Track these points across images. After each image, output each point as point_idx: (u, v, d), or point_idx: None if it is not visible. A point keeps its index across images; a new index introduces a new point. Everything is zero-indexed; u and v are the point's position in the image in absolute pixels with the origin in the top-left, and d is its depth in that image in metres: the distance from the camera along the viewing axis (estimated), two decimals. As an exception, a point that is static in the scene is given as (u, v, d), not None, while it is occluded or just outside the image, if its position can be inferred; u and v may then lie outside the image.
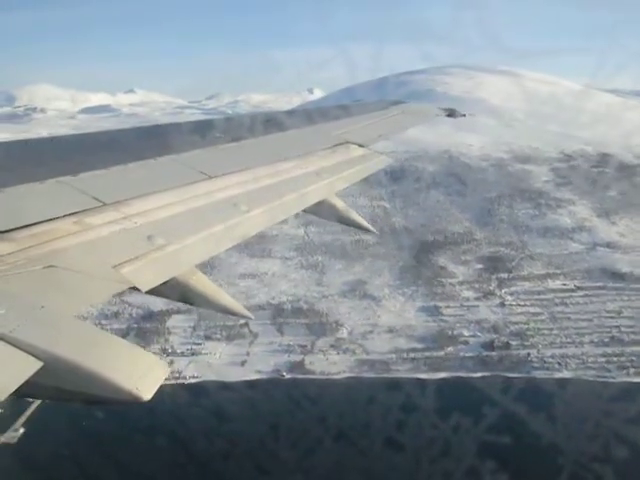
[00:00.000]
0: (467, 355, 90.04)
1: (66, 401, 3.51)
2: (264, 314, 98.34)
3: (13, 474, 64.73)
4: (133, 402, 3.39)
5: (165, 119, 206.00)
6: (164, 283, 4.87)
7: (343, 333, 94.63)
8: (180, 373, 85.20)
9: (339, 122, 11.58)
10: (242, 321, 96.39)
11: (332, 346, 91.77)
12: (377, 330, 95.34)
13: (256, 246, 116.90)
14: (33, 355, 3.13)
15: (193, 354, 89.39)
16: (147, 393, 3.41)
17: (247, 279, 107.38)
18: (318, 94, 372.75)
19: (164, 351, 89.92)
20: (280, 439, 65.61)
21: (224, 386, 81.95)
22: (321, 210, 8.19)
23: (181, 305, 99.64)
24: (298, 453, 62.96)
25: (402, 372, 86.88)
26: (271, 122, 10.91)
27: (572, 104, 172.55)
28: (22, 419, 73.88)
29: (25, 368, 3.02)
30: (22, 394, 3.05)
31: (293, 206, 7.51)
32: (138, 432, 70.29)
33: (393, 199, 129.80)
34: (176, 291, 5.28)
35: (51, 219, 4.81)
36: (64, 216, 4.94)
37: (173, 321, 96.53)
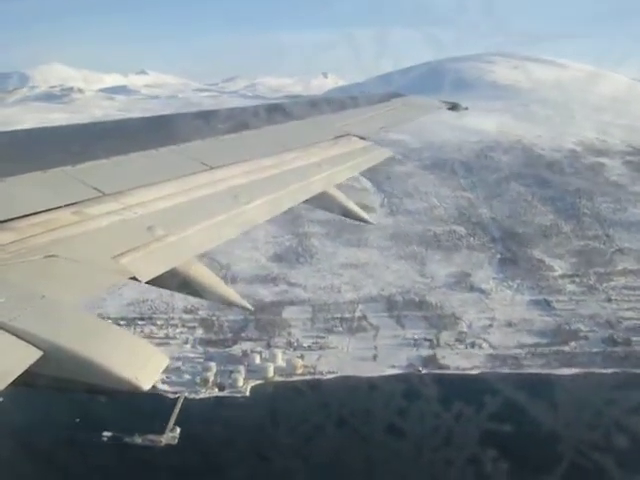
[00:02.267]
0: (592, 351, 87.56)
1: (66, 390, 3.35)
2: (378, 306, 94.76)
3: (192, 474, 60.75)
4: (132, 392, 3.21)
5: (210, 102, 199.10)
6: (164, 273, 4.59)
7: (463, 327, 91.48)
8: (315, 368, 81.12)
9: (341, 114, 11.26)
10: (359, 313, 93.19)
11: (457, 340, 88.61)
12: (496, 324, 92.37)
13: (349, 235, 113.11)
14: (33, 344, 3.05)
15: (321, 348, 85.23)
16: (146, 383, 3.23)
17: (350, 269, 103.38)
18: (332, 78, 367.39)
19: (290, 345, 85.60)
20: (435, 435, 62.54)
21: (364, 381, 78.34)
22: (322, 201, 7.79)
23: (292, 296, 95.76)
24: (456, 448, 60.34)
25: (535, 368, 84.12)
26: (272, 113, 10.49)
27: (622, 95, 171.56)
28: (173, 419, 69.65)
29: (25, 357, 2.96)
30: (22, 383, 2.92)
31: (294, 197, 7.12)
32: (292, 425, 66.53)
33: (475, 190, 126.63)
34: (176, 281, 5.01)
35: (51, 209, 4.70)
36: (64, 206, 4.81)
37: (288, 313, 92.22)
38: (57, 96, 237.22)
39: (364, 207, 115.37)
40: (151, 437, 65.44)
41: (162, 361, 3.55)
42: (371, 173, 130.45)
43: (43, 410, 68.30)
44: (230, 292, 5.97)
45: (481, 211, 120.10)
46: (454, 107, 15.78)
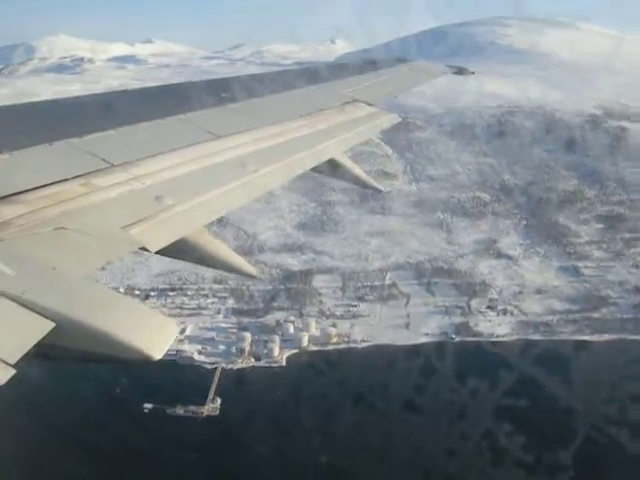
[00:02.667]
0: (624, 317, 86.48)
1: (78, 361, 3.39)
2: (407, 274, 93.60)
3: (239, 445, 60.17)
4: (144, 361, 3.18)
5: (222, 70, 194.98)
6: (173, 243, 4.55)
7: (493, 294, 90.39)
8: (348, 337, 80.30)
9: (347, 80, 11.08)
10: (389, 281, 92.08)
11: (489, 307, 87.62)
12: (526, 291, 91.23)
13: (373, 202, 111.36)
14: (45, 316, 3.06)
15: (353, 317, 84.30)
16: (157, 352, 3.22)
17: (376, 237, 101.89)
18: (339, 44, 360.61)
19: (322, 313, 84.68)
20: (478, 401, 61.97)
21: (399, 350, 77.56)
22: (330, 169, 7.66)
23: (320, 265, 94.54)
24: (496, 414, 59.80)
25: (567, 334, 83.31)
26: (279, 81, 10.43)
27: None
28: (212, 389, 68.99)
29: (38, 329, 2.97)
30: (35, 355, 2.93)
31: (301, 165, 6.88)
32: (331, 394, 65.89)
33: (497, 155, 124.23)
34: (185, 251, 4.91)
35: (59, 181, 4.66)
36: (72, 178, 4.77)
37: (318, 282, 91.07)
38: (69, 67, 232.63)
39: (386, 174, 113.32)
40: (192, 408, 64.84)
41: (173, 330, 3.52)
42: (392, 139, 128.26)
43: (78, 383, 67.79)
44: (240, 260, 5.76)
45: (504, 177, 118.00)
46: (460, 71, 15.58)
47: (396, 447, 58.93)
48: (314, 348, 77.73)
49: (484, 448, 54.98)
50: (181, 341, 77.60)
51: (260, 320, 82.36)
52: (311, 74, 11.63)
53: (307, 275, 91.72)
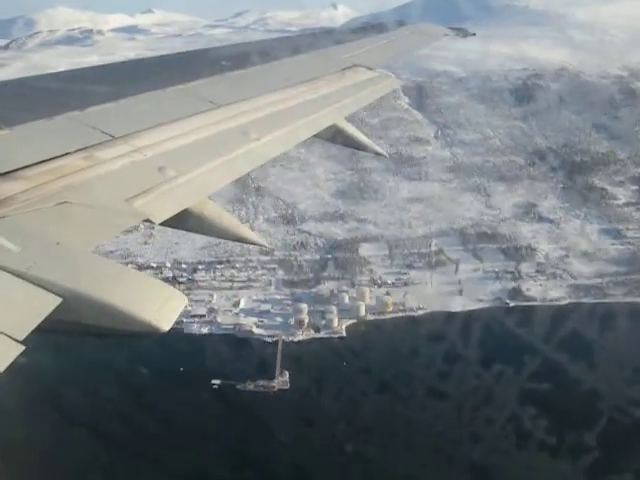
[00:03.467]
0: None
1: (87, 335, 3.32)
2: (452, 240, 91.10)
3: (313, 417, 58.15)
4: (152, 333, 3.14)
5: (234, 39, 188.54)
6: (178, 214, 4.52)
7: (540, 258, 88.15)
8: (404, 305, 78.07)
9: (347, 45, 10.68)
10: (435, 248, 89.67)
11: (538, 271, 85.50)
12: (571, 254, 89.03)
13: (408, 168, 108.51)
14: (52, 292, 3.01)
15: (405, 284, 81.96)
16: (165, 324, 3.18)
17: (416, 203, 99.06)
18: (342, 10, 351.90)
19: (374, 282, 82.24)
20: (553, 365, 60.28)
21: (457, 316, 75.50)
22: (332, 134, 7.38)
23: (364, 233, 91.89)
24: (572, 378, 58.46)
25: (619, 297, 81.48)
26: (278, 47, 10.02)
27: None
28: (278, 363, 66.78)
29: (45, 305, 2.92)
30: (43, 330, 2.87)
31: (303, 132, 6.76)
32: (401, 363, 64.02)
33: (526, 119, 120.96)
34: (190, 222, 4.84)
35: (61, 155, 4.58)
36: (74, 152, 4.71)
37: (365, 250, 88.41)
38: (78, 39, 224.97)
39: (418, 140, 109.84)
40: (262, 383, 62.61)
41: (181, 301, 3.42)
42: (421, 105, 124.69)
43: (133, 363, 65.50)
44: (246, 230, 5.65)
45: (536, 140, 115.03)
46: (462, 33, 15.19)
47: (479, 414, 57.06)
48: (371, 317, 75.54)
49: (578, 412, 53.66)
50: (237, 314, 75.28)
51: (313, 291, 79.87)
52: (310, 40, 11.13)
53: (353, 244, 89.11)
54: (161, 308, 3.24)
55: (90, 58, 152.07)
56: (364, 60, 9.62)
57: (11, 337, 2.67)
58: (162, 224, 4.38)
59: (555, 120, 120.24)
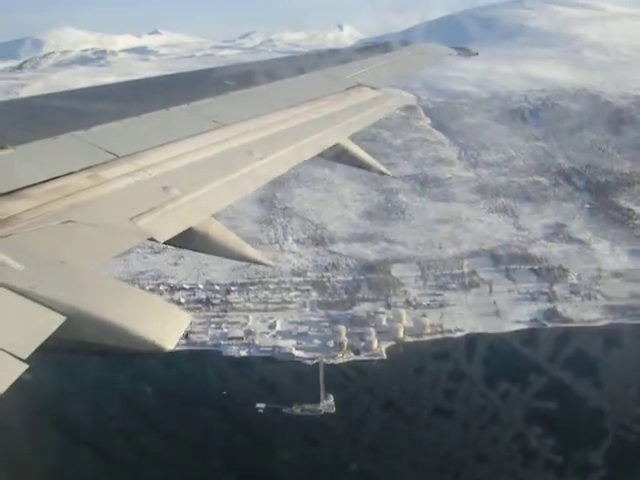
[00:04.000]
0: None
1: (91, 354, 3.36)
2: (483, 261, 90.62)
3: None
4: (156, 353, 3.15)
5: (246, 59, 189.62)
6: (181, 233, 4.52)
7: (573, 279, 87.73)
8: (441, 327, 77.43)
9: (351, 65, 10.71)
10: (467, 269, 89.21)
11: (572, 292, 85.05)
12: (604, 275, 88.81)
13: (434, 189, 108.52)
14: (56, 310, 3.01)
15: (441, 306, 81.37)
16: (169, 343, 3.17)
17: (444, 224, 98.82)
18: (347, 31, 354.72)
19: (409, 303, 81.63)
20: (599, 387, 59.41)
21: (494, 338, 74.85)
22: (336, 154, 7.50)
23: (395, 254, 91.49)
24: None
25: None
26: (282, 67, 10.08)
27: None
28: (322, 386, 65.88)
29: (48, 323, 2.91)
30: (46, 349, 2.87)
31: (308, 151, 6.74)
32: (447, 386, 62.94)
33: (548, 139, 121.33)
34: (194, 241, 4.86)
35: (66, 174, 4.60)
36: (79, 171, 4.72)
37: (397, 271, 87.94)
38: (92, 59, 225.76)
39: (441, 160, 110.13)
40: (308, 407, 61.70)
41: (185, 320, 3.41)
42: (443, 125, 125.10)
43: (180, 382, 64.89)
44: (249, 249, 5.57)
45: (559, 161, 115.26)
46: (465, 53, 15.24)
47: (533, 436, 56.18)
48: (410, 339, 74.78)
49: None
50: (274, 336, 74.60)
51: (349, 312, 79.23)
52: (314, 60, 11.16)
53: (384, 265, 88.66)
54: (165, 327, 3.25)
55: (108, 78, 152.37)
56: (368, 79, 9.69)
57: (14, 355, 2.66)
58: (166, 243, 4.38)
59: (577, 141, 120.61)
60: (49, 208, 4.09)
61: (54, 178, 4.49)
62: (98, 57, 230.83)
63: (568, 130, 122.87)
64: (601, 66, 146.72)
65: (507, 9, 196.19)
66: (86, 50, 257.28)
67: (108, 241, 4.12)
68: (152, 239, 4.23)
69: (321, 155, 7.11)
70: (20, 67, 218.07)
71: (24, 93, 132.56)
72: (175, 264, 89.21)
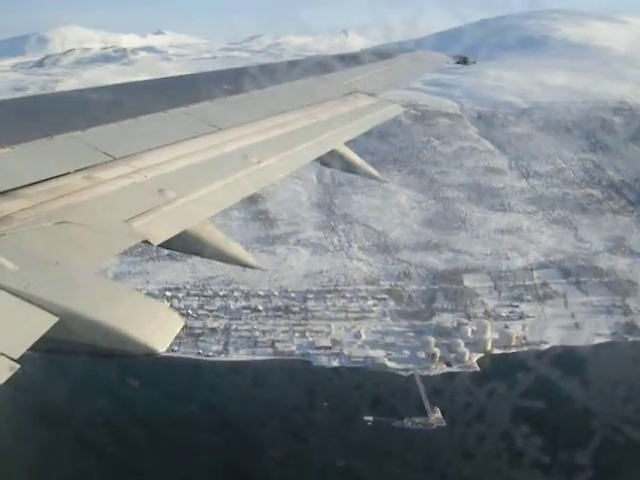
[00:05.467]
0: None
1: (83, 355, 3.34)
2: (552, 273, 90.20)
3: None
4: (148, 355, 3.14)
5: (268, 62, 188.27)
6: (176, 236, 4.53)
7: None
8: (525, 338, 76.90)
9: (348, 71, 10.78)
10: (538, 280, 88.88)
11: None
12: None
13: (490, 199, 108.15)
14: (48, 311, 3.01)
15: (520, 317, 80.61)
16: (161, 345, 3.18)
17: (506, 235, 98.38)
18: (353, 36, 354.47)
19: (488, 314, 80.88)
20: None
21: (582, 350, 74.35)
22: (332, 160, 7.55)
23: (463, 264, 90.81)
24: None
25: None
26: (280, 72, 10.01)
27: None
28: (425, 398, 64.76)
29: (41, 324, 2.92)
30: (38, 350, 2.90)
31: (304, 156, 6.82)
32: (554, 398, 62.40)
33: (596, 152, 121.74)
34: (188, 244, 4.87)
35: (62, 175, 4.62)
36: (75, 172, 4.74)
37: (469, 281, 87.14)
38: (114, 57, 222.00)
39: (493, 170, 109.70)
40: (418, 420, 60.59)
41: (177, 323, 3.38)
42: (489, 134, 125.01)
43: (281, 393, 63.41)
44: (244, 254, 5.53)
45: (609, 173, 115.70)
46: (463, 61, 14.88)
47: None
48: (498, 351, 74.02)
49: None
50: (361, 347, 73.30)
51: (432, 323, 78.24)
52: (312, 65, 11.16)
53: (455, 275, 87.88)
54: (157, 330, 3.21)
55: (140, 76, 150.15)
56: (365, 86, 9.71)
57: (6, 356, 2.64)
58: (161, 245, 4.36)
59: (624, 153, 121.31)
60: (44, 208, 4.08)
61: (50, 178, 4.48)
62: (120, 56, 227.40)
63: (614, 142, 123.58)
64: (635, 78, 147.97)
65: (530, 19, 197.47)
66: (106, 48, 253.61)
67: (102, 242, 4.12)
68: (147, 241, 4.19)
69: (317, 160, 7.12)
70: (41, 64, 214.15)
71: (59, 89, 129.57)
72: (243, 269, 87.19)
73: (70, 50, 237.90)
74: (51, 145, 5.18)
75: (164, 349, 3.15)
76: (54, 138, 5.26)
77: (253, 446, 56.02)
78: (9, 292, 3.04)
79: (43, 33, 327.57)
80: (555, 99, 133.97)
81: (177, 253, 73.67)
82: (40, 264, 3.43)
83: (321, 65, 11.11)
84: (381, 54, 13.46)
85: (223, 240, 5.30)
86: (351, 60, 12.12)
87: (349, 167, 7.98)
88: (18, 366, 2.62)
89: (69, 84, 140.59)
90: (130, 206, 4.52)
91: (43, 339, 2.85)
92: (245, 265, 5.71)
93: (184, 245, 4.83)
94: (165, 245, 4.43)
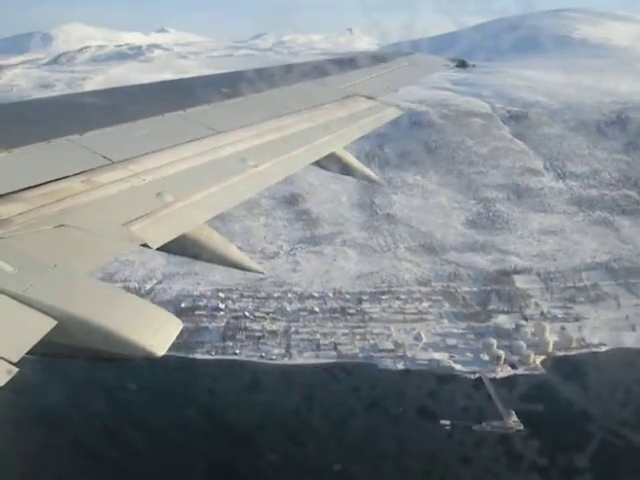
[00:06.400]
0: None
1: (81, 358, 3.32)
2: (601, 274, 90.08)
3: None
4: (146, 358, 3.14)
5: (287, 60, 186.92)
6: (174, 240, 4.53)
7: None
8: (584, 340, 76.71)
9: (347, 74, 10.87)
10: (588, 282, 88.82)
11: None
12: None
13: (529, 199, 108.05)
14: (47, 314, 3.02)
15: (576, 319, 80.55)
16: (160, 349, 3.16)
17: (550, 236, 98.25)
18: (357, 35, 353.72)
19: (544, 316, 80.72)
20: None
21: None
22: (330, 163, 7.48)
23: (511, 265, 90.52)
24: None
25: None
26: (278, 75, 10.14)
27: None
28: (498, 402, 64.36)
29: (39, 327, 2.93)
30: (37, 353, 2.89)
31: (302, 160, 6.78)
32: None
33: (630, 152, 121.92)
34: (187, 247, 4.89)
35: (60, 178, 4.61)
36: (73, 175, 4.73)
37: (520, 282, 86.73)
38: (130, 55, 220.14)
39: (530, 170, 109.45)
40: (496, 424, 60.17)
41: (176, 326, 3.38)
42: (523, 134, 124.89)
43: (360, 396, 62.99)
44: (242, 257, 5.61)
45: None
46: (462, 64, 15.09)
47: None
48: (559, 353, 73.74)
49: None
50: (424, 349, 72.85)
51: (489, 324, 77.91)
52: (311, 68, 11.15)
53: (505, 276, 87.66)
54: (156, 333, 3.21)
55: (163, 74, 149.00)
56: (364, 89, 9.72)
57: (5, 359, 2.65)
58: (159, 249, 4.35)
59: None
60: (42, 212, 4.09)
61: (48, 182, 4.48)
62: (135, 53, 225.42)
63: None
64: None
65: (549, 19, 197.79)
66: (120, 46, 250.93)
67: (100, 246, 4.11)
68: (145, 245, 4.18)
69: (315, 164, 7.08)
70: (56, 61, 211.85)
71: (88, 87, 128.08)
72: (294, 270, 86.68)
73: (84, 47, 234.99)
74: (49, 149, 5.17)
75: (163, 352, 3.11)
76: (52, 142, 5.25)
77: (347, 448, 55.74)
78: (8, 295, 3.02)
79: (46, 31, 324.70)
80: (584, 99, 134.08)
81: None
82: (39, 267, 3.42)
83: (319, 68, 11.06)
84: (380, 57, 13.51)
85: (222, 243, 5.30)
86: (349, 63, 12.11)
87: (348, 171, 7.93)
88: (17, 370, 2.60)
89: (96, 81, 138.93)
90: (128, 210, 4.53)
91: (42, 342, 2.84)
92: (244, 269, 5.66)
93: (183, 249, 4.83)
94: (164, 249, 4.43)
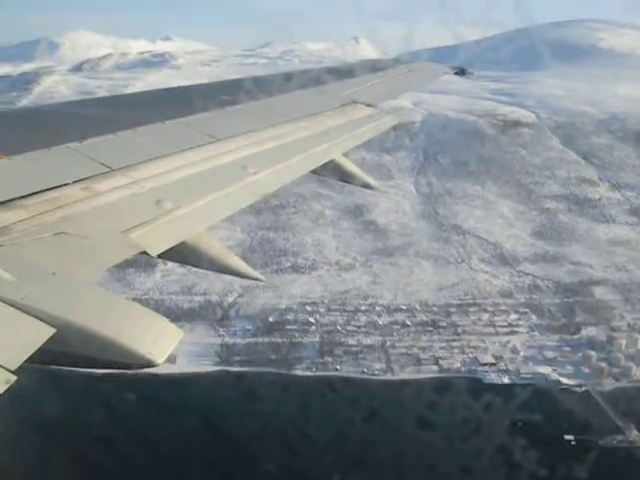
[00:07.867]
0: None
1: (80, 367, 3.33)
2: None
3: None
4: (146, 366, 3.13)
5: (299, 67, 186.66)
6: (174, 247, 4.54)
7: None
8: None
9: (346, 82, 11.03)
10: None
11: None
12: None
13: (590, 210, 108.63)
14: (45, 322, 3.01)
15: None
16: (159, 357, 3.16)
17: (618, 247, 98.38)
18: (363, 44, 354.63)
19: (632, 328, 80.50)
20: None
21: None
22: (330, 170, 7.51)
23: (587, 276, 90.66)
24: None
25: None
26: (278, 83, 10.25)
27: None
28: (614, 416, 64.11)
29: (38, 335, 2.92)
30: (36, 361, 2.88)
31: (301, 167, 6.86)
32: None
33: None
34: (186, 255, 4.84)
35: (59, 186, 4.62)
36: (72, 182, 4.74)
37: (600, 294, 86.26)
38: (155, 62, 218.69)
39: (586, 181, 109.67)
40: (619, 438, 59.93)
41: (176, 335, 3.38)
42: (572, 144, 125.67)
43: (465, 413, 62.09)
44: (241, 265, 5.49)
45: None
46: (462, 72, 15.14)
47: None
48: (656, 366, 73.79)
49: None
50: (524, 362, 72.58)
51: (581, 336, 77.85)
52: (310, 76, 11.22)
53: (583, 288, 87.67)
54: (156, 341, 3.20)
55: (196, 80, 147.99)
56: (363, 97, 9.80)
57: (3, 367, 2.65)
58: (159, 256, 4.38)
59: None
60: (42, 219, 4.10)
61: (48, 189, 4.48)
62: (160, 61, 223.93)
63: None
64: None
65: (573, 29, 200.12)
66: (143, 53, 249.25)
67: (100, 254, 4.13)
68: (144, 252, 4.19)
69: (315, 171, 7.10)
70: (79, 67, 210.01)
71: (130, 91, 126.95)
72: (374, 282, 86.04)
73: (107, 55, 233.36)
74: (49, 156, 5.16)
75: (162, 360, 3.11)
76: (52, 149, 5.25)
77: (472, 467, 54.91)
78: (6, 303, 3.01)
79: (52, 38, 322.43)
80: (628, 110, 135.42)
81: (301, 265, 70.91)
82: (38, 275, 3.42)
83: (319, 76, 11.09)
84: (380, 65, 13.52)
85: (221, 251, 5.29)
86: (349, 71, 12.17)
87: (347, 178, 7.95)
88: (15, 377, 2.60)
89: (138, 87, 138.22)
90: (128, 217, 4.54)
91: (41, 351, 2.82)
92: (244, 276, 5.62)
93: (182, 256, 4.80)
94: (163, 256, 4.42)
